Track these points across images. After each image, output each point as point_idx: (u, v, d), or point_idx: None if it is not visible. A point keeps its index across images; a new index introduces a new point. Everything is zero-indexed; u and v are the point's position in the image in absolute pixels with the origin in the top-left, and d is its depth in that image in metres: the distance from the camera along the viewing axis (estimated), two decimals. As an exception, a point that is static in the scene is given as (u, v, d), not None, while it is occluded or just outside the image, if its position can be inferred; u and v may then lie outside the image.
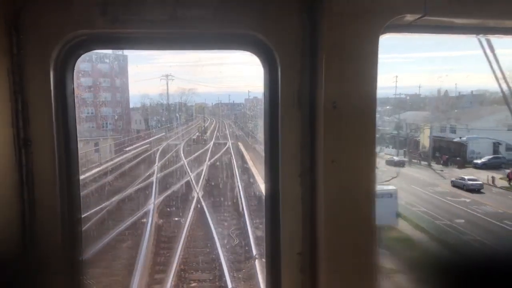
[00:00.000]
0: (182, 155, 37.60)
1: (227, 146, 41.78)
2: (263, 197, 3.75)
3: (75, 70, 3.26)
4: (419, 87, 45.75)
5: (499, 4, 3.07)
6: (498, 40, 3.45)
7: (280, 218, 3.30)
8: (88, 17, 3.06)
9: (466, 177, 34.71)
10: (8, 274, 2.90)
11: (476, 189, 33.31)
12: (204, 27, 3.17)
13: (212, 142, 43.98)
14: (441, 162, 40.14)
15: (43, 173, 3.12)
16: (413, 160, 41.15)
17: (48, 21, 3.03)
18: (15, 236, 3.08)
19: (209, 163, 34.82)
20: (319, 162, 3.13)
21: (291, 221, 3.28)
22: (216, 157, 37.23)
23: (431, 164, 40.68)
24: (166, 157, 36.25)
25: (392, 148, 43.37)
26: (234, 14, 3.17)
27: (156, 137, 42.89)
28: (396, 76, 43.70)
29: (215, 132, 51.66)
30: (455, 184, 34.64)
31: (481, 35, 3.47)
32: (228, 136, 48.23)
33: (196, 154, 38.08)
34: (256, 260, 17.49)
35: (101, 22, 3.06)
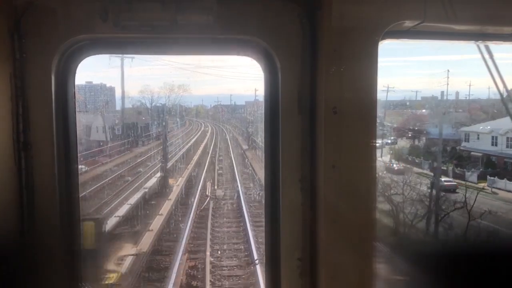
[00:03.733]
0: None
1: None
2: None
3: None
4: (470, 85, 34.39)
5: (497, 11, 3.10)
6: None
7: (280, 223, 3.30)
8: (89, 23, 3.08)
9: None
10: (7, 276, 2.90)
11: None
12: (205, 32, 3.18)
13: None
14: None
15: (43, 177, 3.13)
16: None
17: (50, 26, 3.05)
18: (15, 240, 3.07)
19: None
20: (319, 167, 3.13)
21: (291, 226, 3.28)
22: None
23: None
24: None
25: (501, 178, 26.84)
26: (235, 20, 3.19)
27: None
28: (448, 70, 30.79)
29: (203, 175, 23.99)
30: None
31: (480, 41, 3.49)
32: (244, 210, 18.99)
33: None
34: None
35: (102, 27, 3.07)
